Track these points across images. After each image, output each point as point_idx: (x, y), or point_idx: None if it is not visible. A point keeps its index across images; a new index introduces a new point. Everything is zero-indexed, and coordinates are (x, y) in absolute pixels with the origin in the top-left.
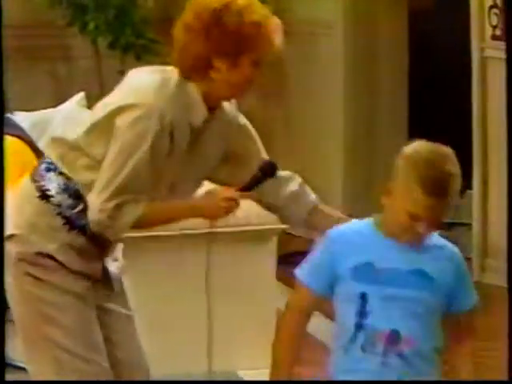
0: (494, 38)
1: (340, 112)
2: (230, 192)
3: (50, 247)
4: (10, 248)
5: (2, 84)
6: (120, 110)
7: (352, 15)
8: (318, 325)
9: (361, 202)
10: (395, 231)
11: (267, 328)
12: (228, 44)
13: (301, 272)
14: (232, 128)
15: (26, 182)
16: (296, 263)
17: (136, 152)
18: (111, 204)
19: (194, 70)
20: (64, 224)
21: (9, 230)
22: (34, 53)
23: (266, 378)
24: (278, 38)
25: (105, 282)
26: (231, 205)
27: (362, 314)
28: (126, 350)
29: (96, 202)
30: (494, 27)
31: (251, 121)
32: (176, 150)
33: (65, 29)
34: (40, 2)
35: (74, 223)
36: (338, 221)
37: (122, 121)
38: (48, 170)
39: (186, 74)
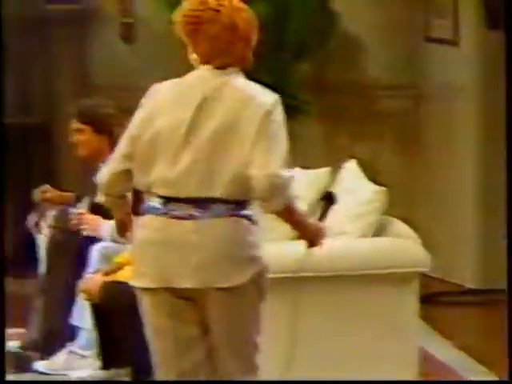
0: None
1: (470, 165)
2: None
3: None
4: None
5: (2, 86)
6: (271, 109)
7: (482, 78)
8: (450, 354)
9: (491, 245)
10: None
11: (410, 362)
12: (254, 40)
13: None
14: None
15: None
16: (438, 303)
17: (283, 134)
18: (287, 174)
19: (242, 60)
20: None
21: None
22: None
23: None
24: None
25: None
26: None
27: None
28: None
29: (273, 168)
30: None
31: (394, 172)
32: None
33: None
34: None
35: None
36: None
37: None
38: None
39: (241, 63)
